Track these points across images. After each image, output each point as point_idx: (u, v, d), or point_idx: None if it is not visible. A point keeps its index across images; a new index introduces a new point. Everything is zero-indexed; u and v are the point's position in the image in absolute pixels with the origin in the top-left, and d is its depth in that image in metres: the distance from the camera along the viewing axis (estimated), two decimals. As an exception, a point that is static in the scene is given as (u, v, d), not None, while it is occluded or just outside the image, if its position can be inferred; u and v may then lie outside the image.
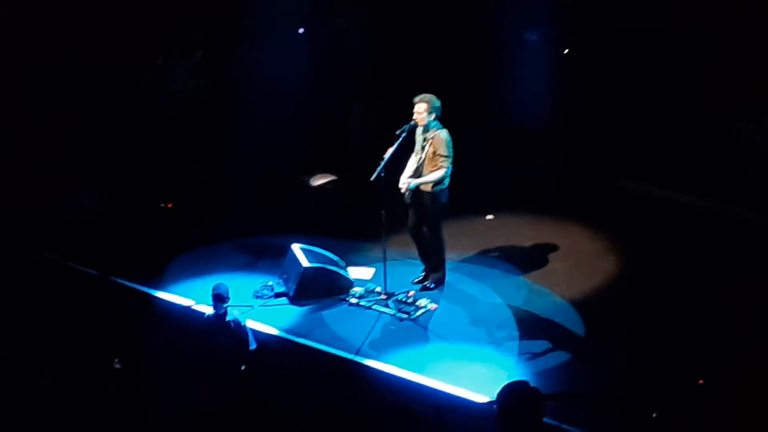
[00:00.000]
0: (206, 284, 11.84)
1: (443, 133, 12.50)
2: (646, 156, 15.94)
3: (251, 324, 11.67)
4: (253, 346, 11.17)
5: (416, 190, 12.60)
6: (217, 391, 10.36)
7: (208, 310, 11.35)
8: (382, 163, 12.30)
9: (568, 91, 16.58)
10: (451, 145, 12.49)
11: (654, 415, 9.29)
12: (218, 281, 11.38)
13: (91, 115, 16.53)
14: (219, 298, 11.03)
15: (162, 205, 15.65)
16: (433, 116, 12.48)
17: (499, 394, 6.63)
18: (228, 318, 11.11)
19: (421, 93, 12.59)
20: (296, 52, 17.37)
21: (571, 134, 16.56)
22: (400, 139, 12.41)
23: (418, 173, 12.61)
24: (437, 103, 12.48)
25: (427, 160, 12.53)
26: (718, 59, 15.77)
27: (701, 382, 10.02)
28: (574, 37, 16.92)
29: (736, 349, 11.52)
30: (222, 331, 11.07)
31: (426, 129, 12.51)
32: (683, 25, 15.66)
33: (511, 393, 6.61)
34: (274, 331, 12.30)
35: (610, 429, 10.29)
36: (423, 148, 12.57)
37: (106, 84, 16.58)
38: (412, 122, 12.49)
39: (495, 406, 6.66)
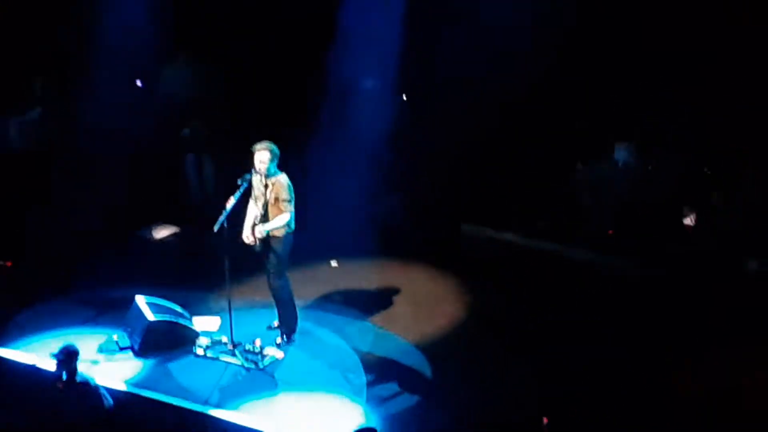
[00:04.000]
0: (49, 340, 11.64)
1: (283, 178, 12.56)
2: (486, 200, 16.26)
3: (101, 381, 11.48)
4: (109, 403, 10.91)
5: (264, 237, 12.59)
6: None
7: (51, 367, 11.03)
8: (225, 213, 12.24)
9: (408, 132, 16.83)
10: (291, 188, 12.55)
11: None
12: (61, 337, 11.18)
13: None
14: (68, 358, 10.74)
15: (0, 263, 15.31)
16: (273, 162, 12.52)
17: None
18: (78, 379, 10.86)
19: (256, 141, 12.62)
20: (134, 105, 17.24)
21: (412, 176, 16.79)
22: (242, 188, 12.40)
23: (263, 220, 12.61)
24: (277, 150, 12.52)
25: (270, 206, 12.56)
26: (554, 104, 16.22)
27: (546, 420, 10.21)
28: (412, 82, 17.19)
29: (580, 384, 11.80)
30: (76, 396, 10.78)
31: (266, 175, 12.53)
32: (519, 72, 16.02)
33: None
34: (122, 386, 12.11)
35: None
36: (264, 194, 12.58)
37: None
38: (253, 170, 12.48)
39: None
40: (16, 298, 14.17)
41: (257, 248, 12.72)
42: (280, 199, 12.51)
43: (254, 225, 12.67)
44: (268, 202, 12.59)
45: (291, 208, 12.55)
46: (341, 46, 16.76)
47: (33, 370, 11.90)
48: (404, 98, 17.62)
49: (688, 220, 15.50)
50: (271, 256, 12.71)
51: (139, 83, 17.92)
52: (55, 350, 10.84)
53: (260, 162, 12.45)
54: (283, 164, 12.60)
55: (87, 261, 14.99)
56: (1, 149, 16.44)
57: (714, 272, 14.32)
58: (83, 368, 11.18)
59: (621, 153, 16.19)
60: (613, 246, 15.66)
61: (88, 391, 10.83)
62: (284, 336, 12.99)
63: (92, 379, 11.01)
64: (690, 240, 15.31)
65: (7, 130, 16.60)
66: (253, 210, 12.74)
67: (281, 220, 12.53)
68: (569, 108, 16.41)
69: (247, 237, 12.66)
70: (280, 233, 12.60)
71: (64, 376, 10.77)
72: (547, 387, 11.84)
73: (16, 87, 16.99)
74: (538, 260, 15.54)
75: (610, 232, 16.01)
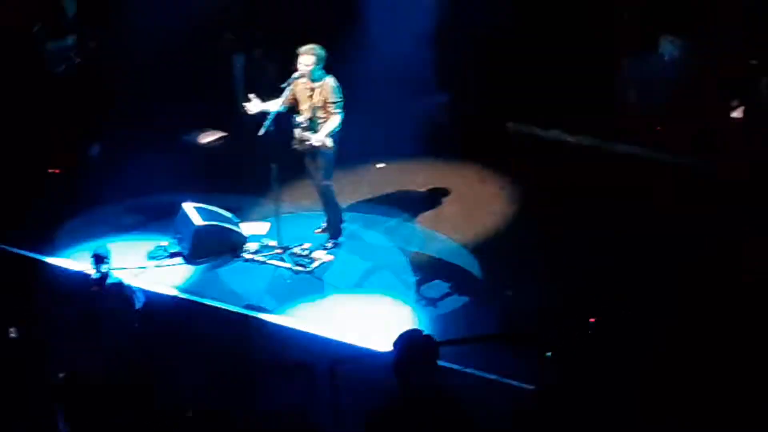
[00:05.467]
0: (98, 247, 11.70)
1: (331, 80, 12.43)
2: (532, 97, 16.06)
3: (141, 284, 11.57)
4: (139, 304, 11.02)
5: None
6: (108, 357, 10.27)
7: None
8: (270, 117, 12.18)
9: (451, 33, 16.62)
10: (340, 91, 12.42)
11: (548, 354, 9.40)
12: (110, 244, 11.26)
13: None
14: (98, 260, 10.88)
15: (49, 170, 15.39)
16: (319, 66, 12.40)
17: (394, 344, 6.67)
18: (109, 281, 10.96)
19: (303, 43, 12.51)
20: (173, 13, 17.13)
21: (456, 76, 16.63)
22: (287, 91, 12.32)
23: (311, 125, 12.52)
24: (323, 53, 12.38)
25: (318, 110, 12.46)
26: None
27: (593, 320, 10.16)
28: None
29: (627, 289, 11.73)
30: (104, 295, 10.92)
31: (312, 79, 12.41)
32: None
33: (405, 343, 6.64)
34: (170, 291, 12.21)
35: (508, 368, 10.40)
36: (310, 97, 12.48)
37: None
38: (296, 74, 12.37)
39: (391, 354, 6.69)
40: (66, 206, 14.27)
41: (302, 149, 12.65)
42: (329, 101, 12.40)
43: (301, 129, 12.58)
44: (315, 107, 12.49)
45: (340, 111, 12.46)
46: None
47: (81, 276, 11.99)
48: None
49: (737, 113, 15.27)
50: (318, 159, 12.66)
51: None
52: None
53: (305, 65, 12.33)
54: (328, 68, 12.49)
55: (134, 167, 15.00)
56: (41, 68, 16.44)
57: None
58: (130, 273, 11.27)
59: (667, 46, 15.92)
60: (662, 141, 15.44)
61: (119, 291, 10.96)
62: (332, 239, 13.00)
63: (123, 281, 11.09)
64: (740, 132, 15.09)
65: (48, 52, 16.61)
66: (301, 111, 12.62)
67: (333, 124, 12.42)
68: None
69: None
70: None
71: (97, 278, 10.92)
72: (596, 286, 11.77)
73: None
74: (585, 157, 15.35)
75: (658, 128, 15.78)
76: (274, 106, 12.28)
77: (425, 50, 16.17)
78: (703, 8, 15.44)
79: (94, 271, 10.96)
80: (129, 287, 11.08)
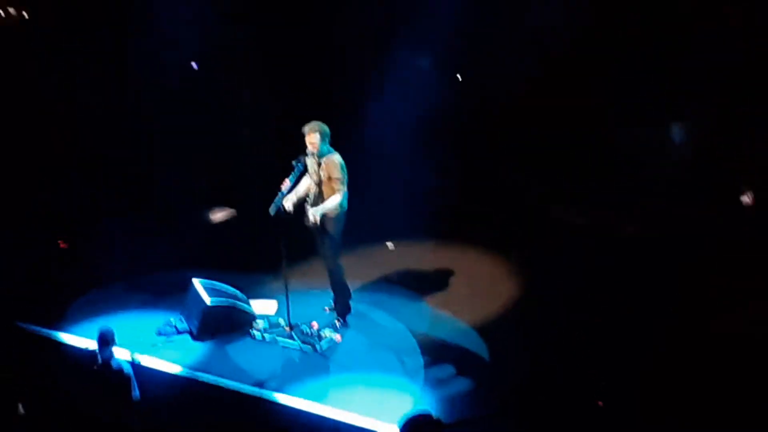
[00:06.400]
0: (108, 324, 11.71)
1: (336, 157, 12.55)
2: (537, 176, 16.18)
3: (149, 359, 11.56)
4: (136, 394, 10.92)
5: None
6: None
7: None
8: (281, 195, 12.29)
9: (461, 111, 16.80)
10: (344, 167, 12.54)
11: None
12: (112, 322, 11.25)
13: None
14: (102, 342, 10.88)
15: (59, 243, 15.46)
16: (325, 142, 12.52)
17: (401, 426, 6.66)
18: (113, 365, 10.94)
19: (308, 120, 12.63)
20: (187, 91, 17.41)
21: (465, 156, 16.76)
22: (297, 170, 12.42)
23: (316, 200, 12.61)
24: (327, 129, 12.53)
25: (324, 185, 12.57)
26: (610, 74, 16.13)
27: (600, 404, 10.15)
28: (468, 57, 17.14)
29: (637, 368, 11.71)
30: (106, 380, 10.89)
31: (319, 155, 12.53)
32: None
33: (412, 424, 6.63)
34: (177, 368, 12.20)
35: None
36: (317, 172, 12.58)
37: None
38: (306, 153, 12.49)
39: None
40: (77, 281, 14.30)
41: (310, 227, 12.72)
42: (333, 178, 12.51)
43: (307, 204, 12.67)
44: (321, 182, 12.59)
45: (343, 187, 12.54)
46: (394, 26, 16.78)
47: (85, 353, 11.97)
48: (459, 78, 17.55)
49: (746, 198, 15.34)
50: (325, 236, 12.72)
51: (194, 65, 18.05)
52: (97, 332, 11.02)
53: (312, 144, 12.46)
54: (335, 143, 12.60)
55: (145, 243, 15.07)
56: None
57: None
58: (138, 351, 11.26)
59: (676, 131, 16.04)
60: (670, 223, 15.48)
61: (119, 377, 10.91)
62: (340, 318, 13.01)
63: (127, 366, 11.07)
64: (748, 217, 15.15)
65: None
66: (305, 187, 12.73)
67: (334, 201, 12.51)
68: (624, 81, 16.30)
69: (287, 206, 12.58)
70: (332, 213, 12.60)
71: (100, 359, 10.92)
72: (604, 371, 11.74)
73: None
74: (593, 238, 15.39)
75: (668, 209, 15.84)
76: (285, 184, 12.36)
77: (435, 131, 16.32)
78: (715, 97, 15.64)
79: (99, 351, 10.96)
80: (130, 376, 11.02)
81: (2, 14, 17.36)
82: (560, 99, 16.38)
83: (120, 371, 10.91)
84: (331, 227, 12.64)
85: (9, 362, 12.00)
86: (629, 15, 16.00)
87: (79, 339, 12.83)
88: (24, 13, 17.52)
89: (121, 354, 11.19)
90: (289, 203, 12.56)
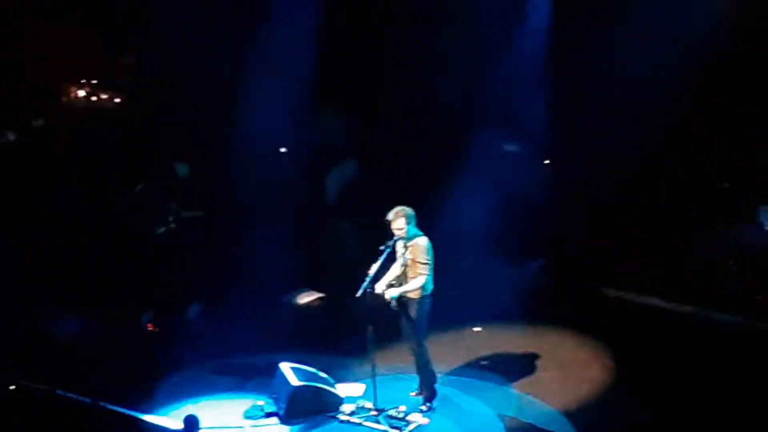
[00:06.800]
0: (195, 407, 11.81)
1: (422, 240, 12.62)
2: (628, 263, 16.11)
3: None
4: None
5: (402, 298, 12.65)
6: None
7: None
8: (368, 279, 12.36)
9: (550, 198, 16.82)
10: (430, 251, 12.60)
11: None
12: (199, 405, 11.33)
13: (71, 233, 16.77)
14: (188, 427, 10.93)
15: (147, 327, 15.63)
16: (411, 225, 12.60)
17: None
18: None
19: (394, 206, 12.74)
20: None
21: (554, 240, 16.74)
22: (384, 254, 12.49)
23: (400, 282, 12.67)
24: (412, 212, 12.63)
25: (408, 268, 12.63)
26: (691, 166, 16.06)
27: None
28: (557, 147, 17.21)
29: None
30: None
31: (407, 238, 12.61)
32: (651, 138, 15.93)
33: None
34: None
35: None
36: (403, 255, 12.66)
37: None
38: (395, 237, 12.58)
39: None
40: (164, 364, 14.43)
41: (393, 308, 12.76)
42: (417, 261, 12.57)
43: (392, 285, 12.75)
44: (406, 265, 12.65)
45: (427, 270, 12.59)
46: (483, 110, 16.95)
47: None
48: (547, 163, 17.62)
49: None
50: (408, 319, 12.75)
51: (283, 150, 18.33)
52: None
53: (398, 229, 12.56)
54: (422, 226, 12.67)
55: (233, 327, 15.19)
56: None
57: None
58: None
59: (766, 215, 15.90)
60: (761, 311, 15.31)
61: None
62: (426, 402, 12.98)
63: None
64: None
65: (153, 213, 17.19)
66: (395, 270, 12.81)
67: (416, 283, 12.56)
68: (712, 168, 16.23)
69: (387, 294, 12.69)
70: (416, 295, 12.63)
71: None
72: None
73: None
74: (683, 325, 15.28)
75: (758, 297, 15.64)
76: (372, 268, 12.43)
77: (522, 216, 16.35)
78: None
79: None
80: None
81: None
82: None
83: None
84: (414, 310, 12.67)
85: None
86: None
87: (166, 420, 12.90)
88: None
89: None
90: (380, 287, 12.64)
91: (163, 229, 17.34)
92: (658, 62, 16.09)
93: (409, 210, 12.64)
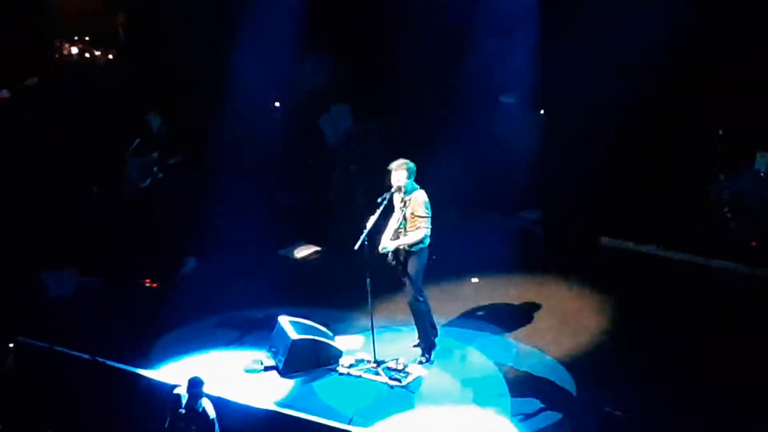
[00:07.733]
0: (195, 360, 11.83)
1: (420, 195, 12.64)
2: (625, 212, 16.11)
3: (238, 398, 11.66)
4: None
5: (398, 251, 12.68)
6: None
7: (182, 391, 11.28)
8: (365, 232, 12.37)
9: (546, 149, 16.79)
10: (428, 205, 12.62)
11: None
12: (206, 357, 11.36)
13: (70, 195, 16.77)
14: (191, 386, 11.00)
15: (145, 283, 15.64)
16: (410, 179, 12.60)
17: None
18: (198, 409, 11.03)
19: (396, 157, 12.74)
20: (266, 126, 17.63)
21: (551, 190, 16.73)
22: (381, 206, 12.50)
23: (398, 234, 12.69)
24: (413, 166, 12.63)
25: (408, 221, 12.64)
26: (692, 114, 16.02)
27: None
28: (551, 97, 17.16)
29: (729, 399, 11.59)
30: (189, 424, 11.02)
31: (404, 191, 12.61)
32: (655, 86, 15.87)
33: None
34: (265, 404, 12.26)
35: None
36: (401, 209, 12.67)
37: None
38: (392, 189, 12.58)
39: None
40: (163, 319, 14.45)
41: (390, 262, 12.79)
42: (416, 214, 12.58)
43: (390, 238, 12.77)
44: (404, 218, 12.66)
45: (427, 224, 12.61)
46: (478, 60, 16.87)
47: (171, 395, 12.04)
48: (541, 113, 17.57)
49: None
50: (406, 271, 12.77)
51: (277, 104, 18.24)
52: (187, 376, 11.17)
53: (398, 181, 12.56)
54: (420, 180, 12.67)
55: (230, 281, 15.20)
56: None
57: None
58: (226, 387, 11.33)
59: (763, 162, 15.87)
60: (757, 257, 15.33)
61: (202, 422, 11.02)
62: (425, 353, 13.02)
63: (211, 410, 11.16)
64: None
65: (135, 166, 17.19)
66: (393, 224, 12.82)
67: (416, 236, 12.58)
68: (709, 117, 16.18)
69: (382, 248, 12.73)
70: (415, 249, 12.65)
71: (185, 404, 11.04)
72: (694, 405, 11.64)
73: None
74: (680, 272, 15.30)
75: (754, 243, 15.66)
76: (370, 221, 12.44)
77: (518, 166, 16.33)
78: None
79: (187, 395, 11.08)
80: (213, 421, 11.13)
81: None
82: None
83: (204, 416, 11.02)
84: (412, 264, 12.69)
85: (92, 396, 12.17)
86: None
87: (166, 375, 12.93)
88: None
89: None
90: (385, 240, 12.67)
91: (149, 181, 17.30)
92: (653, 6, 16.00)
93: (411, 164, 12.64)
